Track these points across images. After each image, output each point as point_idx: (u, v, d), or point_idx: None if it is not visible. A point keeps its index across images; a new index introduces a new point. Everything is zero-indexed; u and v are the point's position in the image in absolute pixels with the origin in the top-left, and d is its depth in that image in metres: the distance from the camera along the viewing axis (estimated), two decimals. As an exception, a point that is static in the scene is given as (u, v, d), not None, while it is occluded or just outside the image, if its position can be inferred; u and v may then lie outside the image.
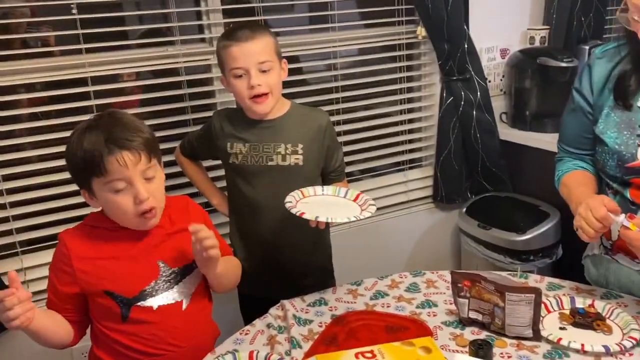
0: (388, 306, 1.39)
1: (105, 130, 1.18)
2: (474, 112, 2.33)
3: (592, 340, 1.18)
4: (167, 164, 1.73)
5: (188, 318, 1.31)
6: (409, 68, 2.41)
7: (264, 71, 1.48)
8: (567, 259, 2.15)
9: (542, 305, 1.27)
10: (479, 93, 2.33)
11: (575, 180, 1.41)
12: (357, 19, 2.31)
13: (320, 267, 1.71)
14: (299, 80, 2.17)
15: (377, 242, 2.32)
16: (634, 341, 1.16)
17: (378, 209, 1.67)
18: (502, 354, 1.18)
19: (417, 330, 1.26)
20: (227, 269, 1.35)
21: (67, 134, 1.77)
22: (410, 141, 2.48)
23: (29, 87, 1.80)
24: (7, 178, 1.78)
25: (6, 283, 1.71)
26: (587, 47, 2.43)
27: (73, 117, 1.83)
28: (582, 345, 1.16)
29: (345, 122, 2.28)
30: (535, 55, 2.29)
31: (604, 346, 1.15)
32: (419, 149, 2.51)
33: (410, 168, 2.51)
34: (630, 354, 1.15)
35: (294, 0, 2.17)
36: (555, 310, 1.31)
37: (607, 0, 2.57)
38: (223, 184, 1.77)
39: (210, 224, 1.38)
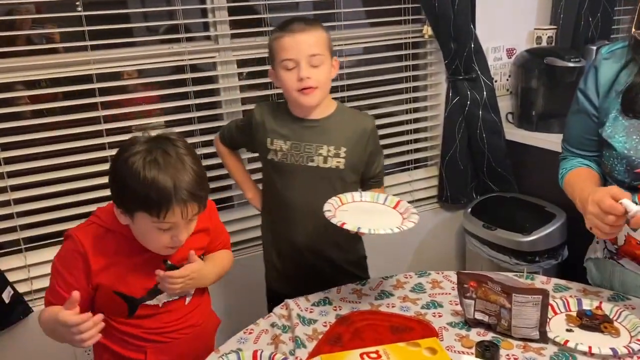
0: (393, 306, 1.38)
1: (173, 176, 1.14)
2: (480, 112, 2.32)
3: (600, 342, 1.17)
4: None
5: (191, 310, 1.34)
6: (415, 67, 2.40)
7: (314, 66, 1.44)
8: (573, 260, 2.13)
9: (549, 306, 1.26)
10: (485, 93, 2.32)
11: (578, 177, 1.38)
12: (362, 17, 2.30)
13: (354, 268, 1.66)
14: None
15: (381, 242, 2.31)
16: (642, 344, 1.15)
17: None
18: (508, 355, 1.17)
19: (422, 331, 1.25)
20: (215, 270, 1.37)
21: (72, 131, 1.81)
22: (416, 141, 2.47)
23: (35, 84, 1.79)
24: (11, 175, 1.78)
25: (9, 279, 1.75)
26: (594, 47, 2.41)
27: (78, 114, 1.83)
28: (590, 347, 1.15)
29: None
30: (542, 55, 2.28)
31: (612, 349, 1.14)
32: (424, 149, 2.50)
33: (416, 168, 2.50)
34: (639, 357, 1.14)
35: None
36: (562, 312, 1.29)
37: (614, 1, 2.55)
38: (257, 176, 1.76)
39: (216, 216, 1.41)
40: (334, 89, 2.21)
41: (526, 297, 1.17)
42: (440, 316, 1.33)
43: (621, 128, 1.28)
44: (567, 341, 1.17)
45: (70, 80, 1.81)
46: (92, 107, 1.84)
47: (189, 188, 1.15)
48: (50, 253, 1.30)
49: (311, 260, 1.59)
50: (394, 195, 2.34)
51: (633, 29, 1.19)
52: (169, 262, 1.26)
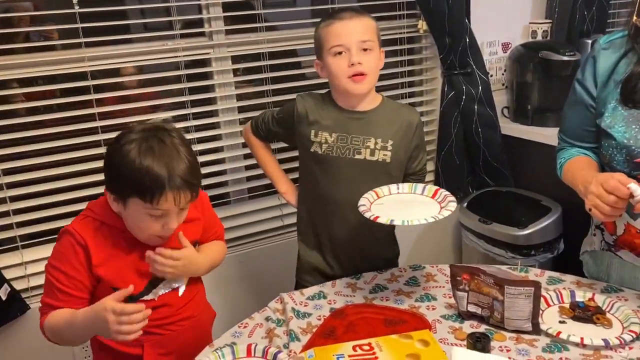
0: (387, 299, 1.39)
1: (168, 164, 1.16)
2: (476, 107, 2.32)
3: (592, 333, 1.18)
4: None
5: (185, 301, 1.34)
6: (410, 62, 2.40)
7: (365, 50, 1.41)
8: (569, 254, 2.14)
9: (542, 299, 1.26)
10: (480, 87, 2.32)
11: (579, 165, 1.38)
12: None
13: (387, 265, 1.61)
14: (299, 74, 2.16)
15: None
16: (634, 335, 1.15)
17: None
18: (501, 347, 1.18)
19: (415, 324, 1.25)
20: (207, 260, 1.36)
21: (67, 128, 1.82)
22: (412, 136, 2.47)
23: (30, 82, 1.80)
24: (7, 172, 1.78)
25: (6, 277, 1.75)
26: (589, 41, 2.41)
27: (72, 112, 1.83)
28: (582, 338, 1.15)
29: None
30: (537, 49, 2.28)
31: (604, 340, 1.15)
32: (421, 144, 2.50)
33: (412, 163, 2.50)
34: (630, 347, 1.14)
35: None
36: (555, 304, 1.30)
37: (610, -5, 2.56)
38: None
39: (209, 207, 1.41)
40: (329, 84, 2.21)
41: (518, 289, 1.18)
42: (434, 309, 1.33)
43: (620, 118, 1.28)
44: (559, 332, 1.18)
45: (66, 77, 1.81)
46: (87, 104, 1.84)
47: (183, 175, 1.17)
48: (47, 250, 1.30)
49: (348, 255, 1.57)
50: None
51: (634, 17, 1.18)
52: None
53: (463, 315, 1.28)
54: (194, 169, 1.20)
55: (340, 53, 1.42)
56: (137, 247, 1.25)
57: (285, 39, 2.10)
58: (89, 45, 1.81)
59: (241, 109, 2.09)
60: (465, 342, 1.17)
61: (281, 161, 1.83)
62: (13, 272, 1.82)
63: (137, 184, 1.15)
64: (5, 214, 1.79)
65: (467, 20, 2.23)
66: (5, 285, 1.75)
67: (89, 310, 1.13)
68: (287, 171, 1.72)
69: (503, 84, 2.50)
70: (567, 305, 1.28)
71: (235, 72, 2.08)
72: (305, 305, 1.38)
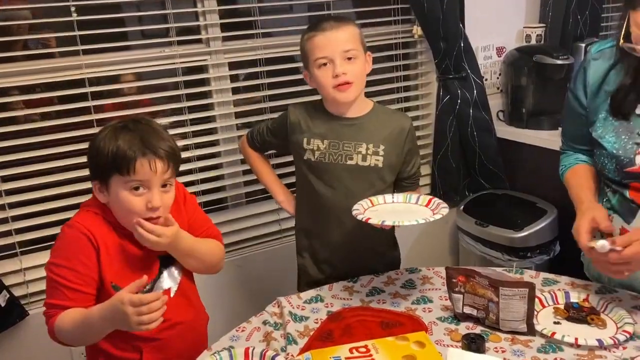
0: (384, 302, 1.40)
1: (141, 135, 1.22)
2: (471, 111, 2.34)
3: (586, 334, 1.19)
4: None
5: (178, 302, 1.34)
6: (406, 67, 2.42)
7: (349, 59, 1.44)
8: (565, 256, 2.16)
9: (537, 300, 1.28)
10: (475, 91, 2.34)
11: (575, 180, 1.41)
12: (353, 18, 2.32)
13: (389, 270, 1.62)
14: (297, 80, 2.18)
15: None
16: (627, 335, 1.17)
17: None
18: (496, 348, 1.19)
19: (412, 326, 1.26)
20: (195, 244, 1.34)
21: (66, 135, 1.83)
22: (408, 140, 2.48)
23: (28, 89, 1.81)
24: (6, 179, 1.79)
25: (5, 283, 1.76)
26: (583, 45, 2.44)
27: (71, 119, 1.84)
28: (576, 339, 1.17)
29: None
30: (531, 53, 2.30)
31: (598, 340, 1.16)
32: (417, 148, 2.52)
33: (408, 167, 2.51)
34: (624, 347, 1.16)
35: (288, 1, 2.18)
36: (550, 305, 1.31)
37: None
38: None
39: (193, 204, 1.42)
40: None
41: (513, 290, 1.19)
42: (430, 311, 1.34)
43: (611, 128, 1.31)
44: (554, 333, 1.19)
45: (64, 84, 1.82)
46: (86, 111, 1.86)
47: (155, 143, 1.22)
48: (46, 257, 1.30)
49: (348, 261, 1.58)
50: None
51: (621, 41, 1.19)
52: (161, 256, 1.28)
53: (459, 317, 1.30)
54: (170, 142, 1.25)
55: (325, 64, 1.45)
56: (134, 244, 1.26)
57: (281, 45, 2.11)
58: (86, 52, 1.82)
59: (238, 115, 2.11)
60: (460, 343, 1.19)
61: (278, 166, 1.84)
62: (12, 279, 1.82)
63: (113, 158, 1.19)
64: (4, 220, 1.80)
65: (461, 25, 2.26)
66: (4, 291, 1.75)
67: (106, 306, 1.12)
68: (284, 176, 1.74)
69: (498, 88, 2.52)
70: (562, 306, 1.29)
71: (237, 78, 2.10)
72: (303, 309, 1.39)
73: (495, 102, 2.46)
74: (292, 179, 1.68)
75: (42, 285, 1.80)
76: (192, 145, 2.03)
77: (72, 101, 1.84)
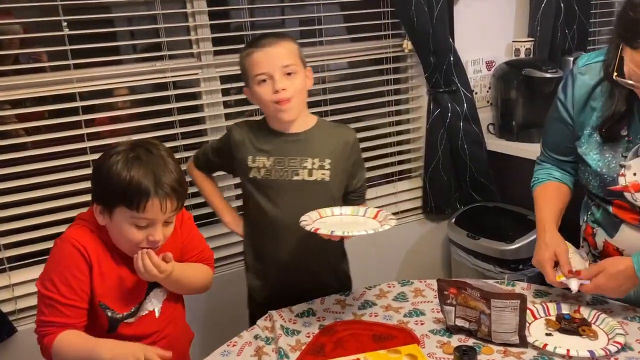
0: (376, 315, 1.39)
1: (154, 169, 1.19)
2: (461, 124, 2.36)
3: (578, 345, 1.19)
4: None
5: (162, 324, 1.34)
6: (396, 81, 2.44)
7: (288, 74, 1.44)
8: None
9: (529, 311, 1.28)
10: (465, 105, 2.35)
11: (542, 200, 1.43)
12: (344, 33, 2.34)
13: (338, 284, 1.63)
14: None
15: (367, 254, 2.32)
16: (619, 346, 1.17)
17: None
18: (488, 360, 1.19)
19: (404, 339, 1.26)
20: (184, 276, 1.34)
21: (55, 149, 1.82)
22: (399, 153, 2.50)
23: (19, 103, 1.80)
24: (-5, 194, 1.78)
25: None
26: (571, 59, 2.47)
27: (61, 133, 1.84)
28: (568, 350, 1.17)
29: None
30: (520, 67, 2.32)
31: (590, 351, 1.16)
32: (408, 161, 2.53)
33: (400, 179, 2.53)
34: (616, 358, 1.16)
35: (279, 16, 2.20)
36: (541, 317, 1.32)
37: (589, 13, 2.62)
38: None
39: (190, 226, 1.41)
40: (317, 104, 2.25)
41: (504, 302, 1.19)
42: (422, 324, 1.34)
43: (595, 145, 1.31)
44: (546, 345, 1.19)
45: (55, 99, 1.82)
46: (76, 125, 1.85)
47: (170, 183, 1.19)
48: (35, 272, 1.29)
49: (298, 279, 1.57)
50: (381, 206, 2.40)
51: (614, 74, 1.18)
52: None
53: (451, 330, 1.29)
54: (180, 178, 1.23)
55: (264, 80, 1.45)
56: (126, 265, 1.25)
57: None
58: (78, 67, 1.82)
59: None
60: (452, 356, 1.18)
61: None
62: (0, 295, 1.80)
63: (124, 191, 1.16)
64: (-7, 235, 1.79)
65: (451, 40, 2.28)
66: (-7, 308, 1.73)
67: (119, 349, 1.13)
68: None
69: (488, 101, 2.54)
70: (554, 318, 1.29)
71: (229, 91, 2.10)
72: (294, 323, 1.38)
73: (486, 116, 2.48)
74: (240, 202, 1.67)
75: (31, 302, 1.78)
76: (183, 159, 2.03)
77: (62, 115, 1.84)
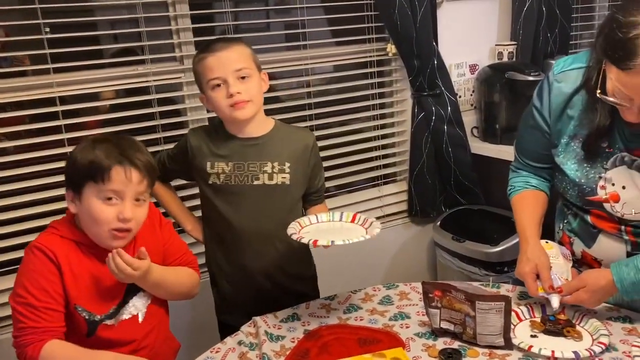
0: (361, 319, 1.38)
1: (119, 146, 1.23)
2: (445, 127, 2.36)
3: (563, 346, 1.19)
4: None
5: (146, 330, 1.32)
6: (381, 84, 2.44)
7: (242, 78, 1.43)
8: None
9: (514, 313, 1.28)
10: (449, 108, 2.36)
11: (521, 209, 1.42)
12: (328, 37, 2.34)
13: (305, 287, 1.64)
14: (273, 97, 2.18)
15: (353, 258, 2.32)
16: (603, 346, 1.17)
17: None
18: (474, 363, 1.18)
19: (389, 342, 1.25)
20: (165, 275, 1.32)
21: (34, 154, 1.79)
22: (385, 156, 2.50)
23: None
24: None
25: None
26: (553, 62, 2.47)
27: (42, 138, 1.80)
28: (552, 352, 1.17)
29: (319, 138, 2.28)
30: (503, 70, 2.34)
31: (574, 352, 1.16)
32: (393, 164, 2.53)
33: (385, 183, 2.53)
34: (600, 359, 1.16)
35: (264, 19, 2.19)
36: (526, 319, 1.31)
37: (571, 17, 2.65)
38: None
39: (169, 230, 1.41)
40: (302, 107, 2.24)
41: (489, 304, 1.19)
42: (407, 327, 1.33)
43: (573, 155, 1.30)
44: (531, 346, 1.19)
45: (35, 103, 1.79)
46: (57, 130, 1.82)
47: (135, 155, 1.22)
48: (10, 281, 1.26)
49: (263, 284, 1.55)
50: (366, 210, 2.41)
51: (598, 91, 1.16)
52: None
53: (436, 332, 1.29)
54: (149, 156, 1.26)
55: (218, 85, 1.43)
56: (102, 263, 1.23)
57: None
58: (58, 70, 1.79)
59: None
60: (438, 359, 1.17)
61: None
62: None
63: (89, 166, 1.19)
64: (-30, 243, 1.75)
65: (434, 43, 2.29)
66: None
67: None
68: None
69: (472, 105, 2.55)
70: (538, 319, 1.29)
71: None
72: (279, 328, 1.36)
73: (470, 119, 2.49)
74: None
75: (8, 311, 1.74)
76: (166, 164, 2.01)
77: (42, 120, 1.80)
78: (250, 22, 2.14)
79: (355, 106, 2.37)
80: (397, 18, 2.16)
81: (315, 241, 1.27)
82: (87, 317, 1.24)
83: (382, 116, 2.47)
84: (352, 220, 1.41)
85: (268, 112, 2.07)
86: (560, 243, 1.44)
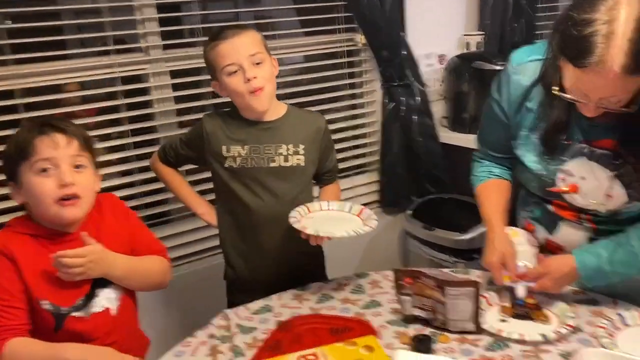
0: (334, 309, 1.38)
1: (42, 121, 1.22)
2: (415, 117, 2.38)
3: (531, 330, 1.21)
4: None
5: (118, 324, 1.29)
6: (351, 75, 2.43)
7: (257, 64, 1.44)
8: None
9: (484, 299, 1.29)
10: (419, 98, 2.38)
11: (486, 199, 1.44)
12: (298, 27, 2.32)
13: (316, 268, 1.67)
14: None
15: (325, 249, 2.31)
16: (570, 328, 1.20)
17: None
18: (445, 349, 1.19)
19: (361, 330, 1.25)
20: (130, 263, 1.30)
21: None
22: (356, 147, 2.50)
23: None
24: None
25: None
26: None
27: (1, 131, 1.75)
28: (521, 335, 1.19)
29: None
30: (471, 60, 2.36)
31: (542, 335, 1.18)
32: (364, 155, 2.54)
33: (356, 174, 2.53)
34: (568, 341, 1.18)
35: (231, 9, 2.16)
36: (496, 304, 1.33)
37: (536, 7, 2.69)
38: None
39: (134, 220, 1.39)
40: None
41: (459, 289, 1.20)
42: (380, 315, 1.34)
43: (532, 147, 1.30)
44: (500, 331, 1.21)
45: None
46: (17, 124, 1.76)
47: (56, 122, 1.21)
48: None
49: (279, 263, 1.57)
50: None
51: (555, 88, 1.15)
52: None
53: (408, 320, 1.29)
54: (73, 124, 1.25)
55: (235, 72, 1.44)
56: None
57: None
58: (20, 62, 1.74)
59: (182, 125, 2.06)
60: (409, 346, 1.18)
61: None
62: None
63: (16, 147, 1.18)
64: None
65: (403, 34, 2.29)
66: None
67: (87, 349, 1.13)
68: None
69: (441, 95, 2.57)
70: (508, 304, 1.31)
71: (177, 87, 2.04)
72: (250, 320, 1.35)
73: (439, 109, 2.51)
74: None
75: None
76: (133, 157, 1.97)
77: (1, 113, 1.75)
78: (219, 11, 2.11)
79: (326, 97, 2.36)
80: (365, 8, 2.15)
81: (305, 229, 1.36)
82: (52, 311, 1.21)
83: (353, 107, 2.47)
84: (359, 214, 1.48)
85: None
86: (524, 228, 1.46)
